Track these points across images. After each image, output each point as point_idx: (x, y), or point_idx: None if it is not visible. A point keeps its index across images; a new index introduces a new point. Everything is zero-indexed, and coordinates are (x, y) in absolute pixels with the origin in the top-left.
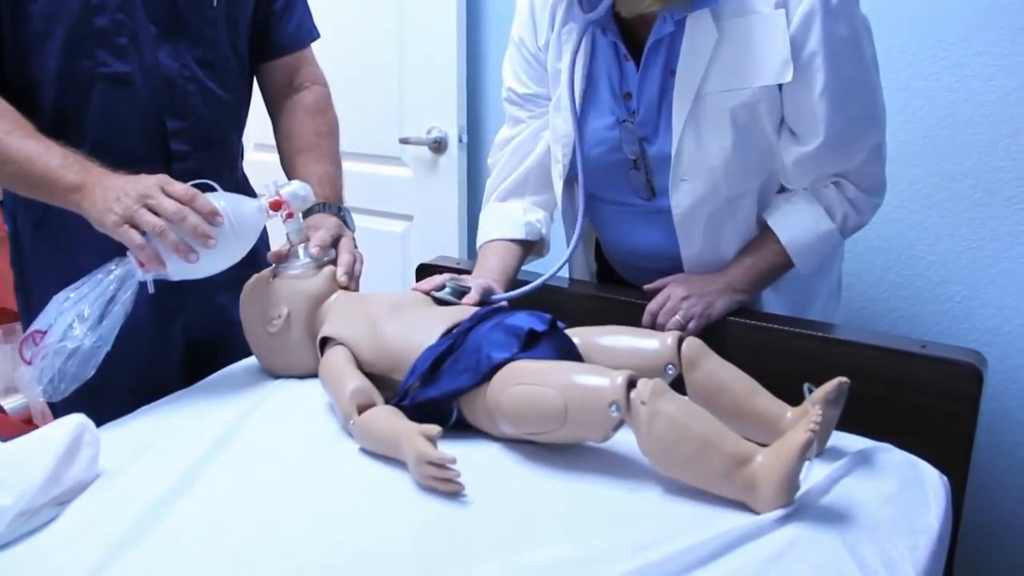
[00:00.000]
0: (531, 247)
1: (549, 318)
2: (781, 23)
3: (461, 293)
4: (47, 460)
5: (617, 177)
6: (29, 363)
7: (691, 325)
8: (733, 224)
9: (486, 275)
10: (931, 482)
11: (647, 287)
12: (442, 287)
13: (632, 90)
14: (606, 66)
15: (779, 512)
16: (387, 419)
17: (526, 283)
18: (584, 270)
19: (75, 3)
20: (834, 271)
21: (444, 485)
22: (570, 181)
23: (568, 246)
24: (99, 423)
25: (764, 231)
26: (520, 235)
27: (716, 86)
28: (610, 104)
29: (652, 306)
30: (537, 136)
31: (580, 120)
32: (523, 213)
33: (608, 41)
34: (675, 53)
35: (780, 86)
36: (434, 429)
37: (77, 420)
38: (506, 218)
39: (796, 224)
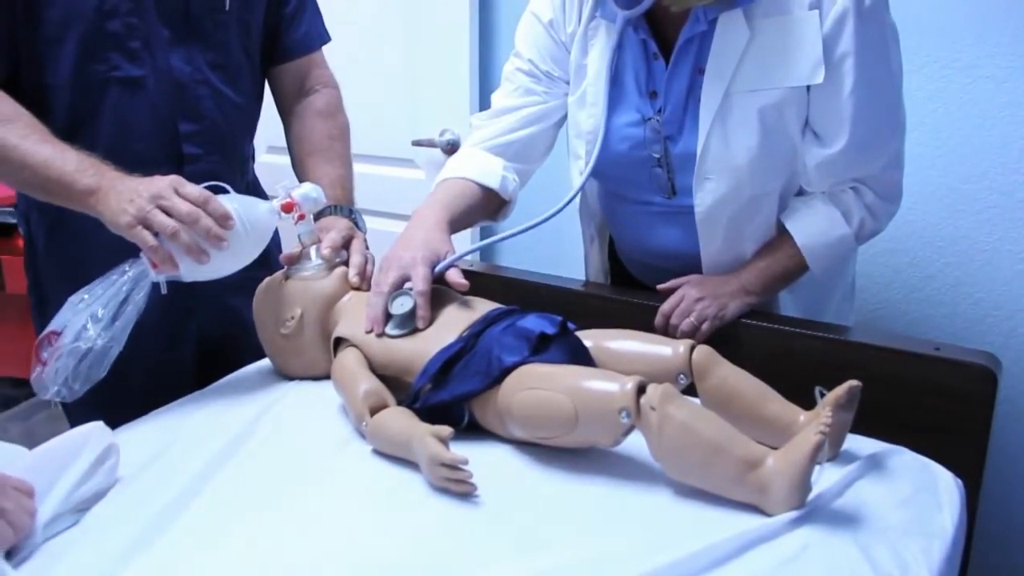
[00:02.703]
0: (494, 205)
1: (560, 320)
2: (814, 24)
3: (409, 313)
4: (72, 472)
5: (639, 174)
6: (44, 364)
7: (704, 327)
8: (754, 224)
9: (431, 217)
10: (945, 485)
11: (660, 287)
12: (388, 317)
13: (659, 88)
14: (633, 63)
15: (792, 515)
16: (399, 420)
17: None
18: (599, 270)
19: (88, 8)
20: (848, 274)
21: (457, 486)
22: (591, 177)
23: (584, 244)
24: (111, 424)
25: (781, 233)
26: (492, 184)
27: (745, 85)
28: (636, 102)
29: (665, 307)
30: (546, 115)
31: (607, 119)
32: (502, 168)
33: (637, 38)
34: (705, 52)
35: (808, 87)
36: (446, 430)
37: (99, 431)
38: (483, 162)
39: (813, 227)
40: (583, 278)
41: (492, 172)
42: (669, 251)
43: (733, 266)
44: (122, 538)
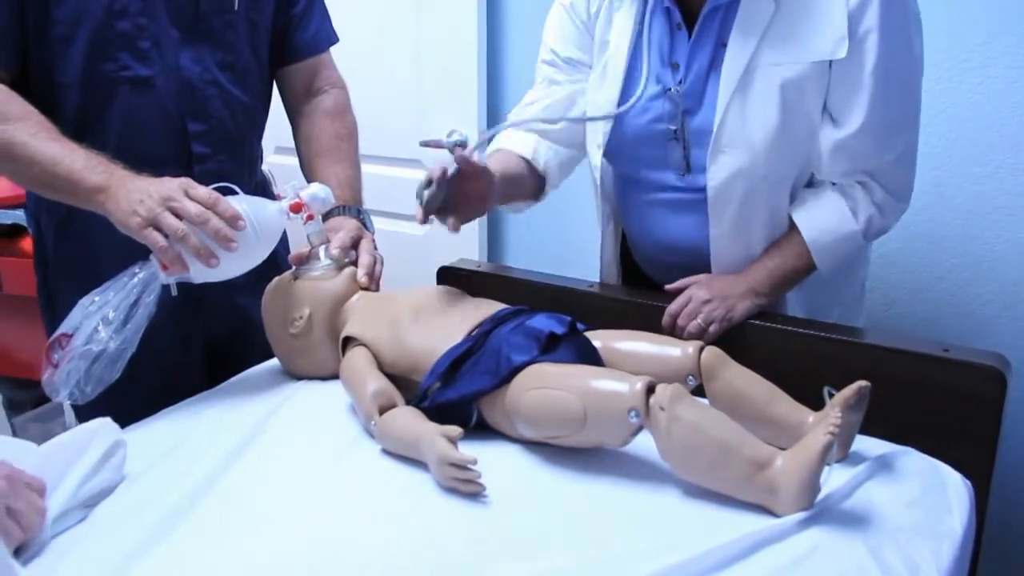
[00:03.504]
0: (531, 181)
1: (569, 320)
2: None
3: (461, 144)
4: (80, 467)
5: (655, 150)
6: (56, 366)
7: (712, 329)
8: (765, 211)
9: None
10: (954, 486)
11: (669, 287)
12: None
13: (681, 59)
14: (657, 32)
15: (801, 515)
16: (408, 420)
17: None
18: (612, 254)
19: (98, 7)
20: (859, 277)
21: (465, 486)
22: (608, 155)
23: (600, 225)
24: (121, 424)
25: (789, 231)
26: (527, 154)
27: (768, 59)
28: (657, 71)
29: (673, 307)
30: (571, 102)
31: (625, 90)
32: (537, 142)
33: (662, 7)
34: (728, 25)
35: (831, 64)
36: (455, 430)
37: (107, 427)
38: (519, 139)
39: (821, 221)
40: (591, 279)
41: (527, 144)
42: (678, 244)
43: (741, 259)
44: (130, 535)
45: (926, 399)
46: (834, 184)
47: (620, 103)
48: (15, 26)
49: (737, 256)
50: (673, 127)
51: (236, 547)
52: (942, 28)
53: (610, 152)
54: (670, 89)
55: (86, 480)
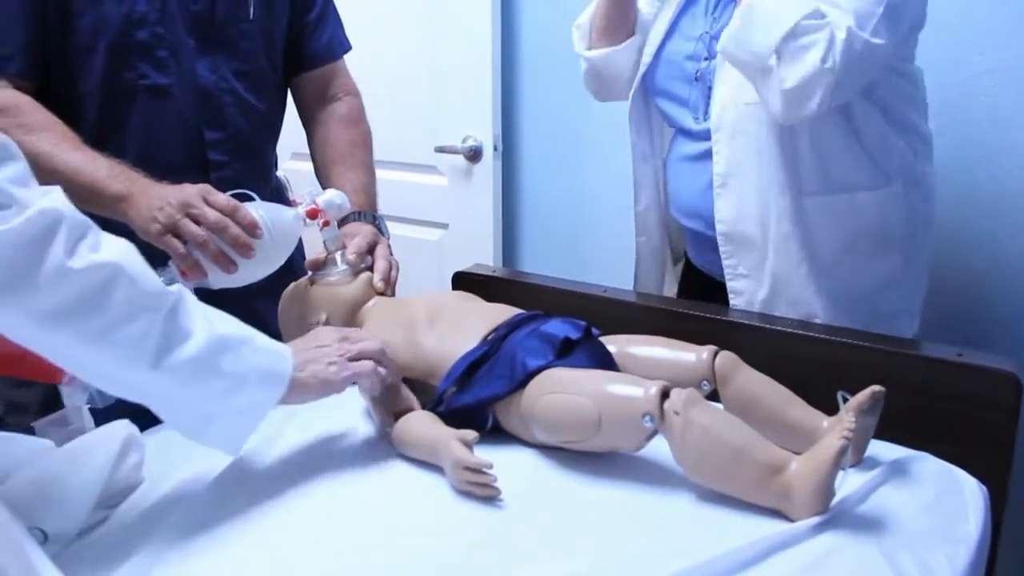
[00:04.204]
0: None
1: (584, 325)
2: None
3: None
4: (101, 467)
5: (682, 88)
6: None
7: None
8: (765, 159)
9: None
10: (970, 491)
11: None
12: None
13: (721, 11)
14: None
15: (815, 520)
16: (424, 424)
17: None
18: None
19: (117, 18)
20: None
21: (481, 490)
22: (646, 79)
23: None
24: (140, 428)
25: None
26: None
27: None
28: (702, 21)
29: None
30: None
31: (671, 30)
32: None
33: None
34: None
35: None
36: (471, 435)
37: (123, 427)
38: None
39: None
40: (605, 284)
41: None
42: (693, 207)
43: (738, 207)
44: (152, 536)
45: (941, 404)
46: None
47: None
48: (38, 36)
49: (741, 220)
50: (696, 70)
51: (256, 548)
52: (955, 29)
53: (648, 76)
54: (704, 33)
55: (107, 478)
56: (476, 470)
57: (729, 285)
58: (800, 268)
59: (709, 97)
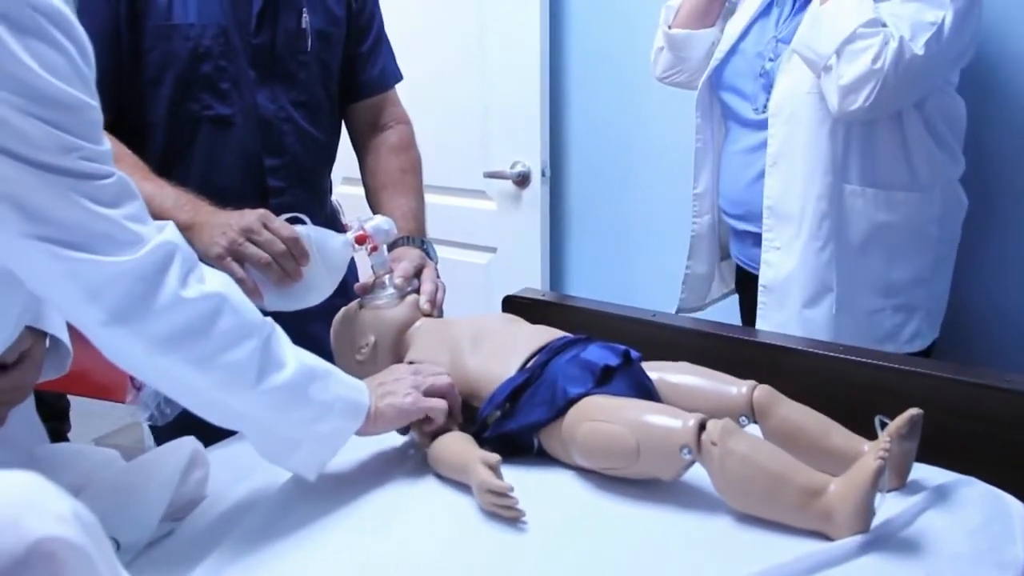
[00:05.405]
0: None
1: (623, 351)
2: None
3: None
4: (168, 480)
5: (747, 81)
6: (139, 388)
7: None
8: (815, 145)
9: None
10: (1018, 516)
11: None
12: None
13: (792, 16)
14: None
15: (858, 540)
16: (457, 445)
17: None
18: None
19: (184, 52)
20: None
21: (504, 512)
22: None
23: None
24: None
25: None
26: None
27: None
28: (774, 27)
29: None
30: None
31: (745, 32)
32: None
33: None
34: None
35: None
36: (494, 457)
37: (190, 443)
38: None
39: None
40: (653, 309)
41: None
42: (740, 198)
43: (787, 204)
44: (214, 550)
45: (988, 429)
46: None
47: (742, 37)
48: (113, 70)
49: (785, 196)
50: (761, 67)
51: (307, 563)
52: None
53: (718, 70)
54: (774, 35)
55: (174, 491)
56: (499, 493)
57: (763, 257)
58: (827, 247)
59: (769, 92)
